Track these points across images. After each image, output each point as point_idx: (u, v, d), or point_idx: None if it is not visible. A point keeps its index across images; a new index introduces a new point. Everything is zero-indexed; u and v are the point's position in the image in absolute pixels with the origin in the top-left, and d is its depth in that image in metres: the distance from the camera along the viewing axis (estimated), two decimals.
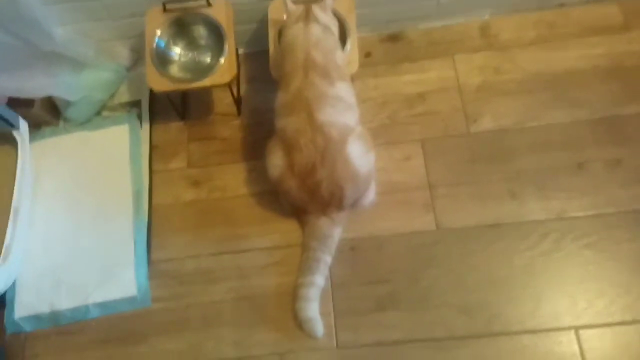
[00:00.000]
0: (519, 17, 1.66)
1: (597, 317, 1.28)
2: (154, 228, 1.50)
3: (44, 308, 1.40)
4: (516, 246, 1.37)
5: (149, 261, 1.45)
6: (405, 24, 1.68)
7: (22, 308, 1.40)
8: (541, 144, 1.47)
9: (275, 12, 1.49)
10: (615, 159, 1.43)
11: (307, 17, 1.31)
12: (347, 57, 1.42)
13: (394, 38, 1.69)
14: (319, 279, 1.33)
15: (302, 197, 1.33)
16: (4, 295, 1.41)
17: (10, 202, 1.41)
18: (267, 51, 1.49)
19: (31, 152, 1.53)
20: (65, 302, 1.40)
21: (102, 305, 1.40)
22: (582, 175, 1.43)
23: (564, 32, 1.62)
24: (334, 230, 1.37)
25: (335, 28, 1.38)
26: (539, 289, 1.32)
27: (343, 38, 1.43)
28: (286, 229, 1.44)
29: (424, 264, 1.37)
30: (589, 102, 1.51)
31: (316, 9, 1.33)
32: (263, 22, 1.56)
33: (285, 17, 1.40)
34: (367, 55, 1.66)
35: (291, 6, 1.37)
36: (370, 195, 1.41)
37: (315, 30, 1.29)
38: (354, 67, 1.44)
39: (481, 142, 1.50)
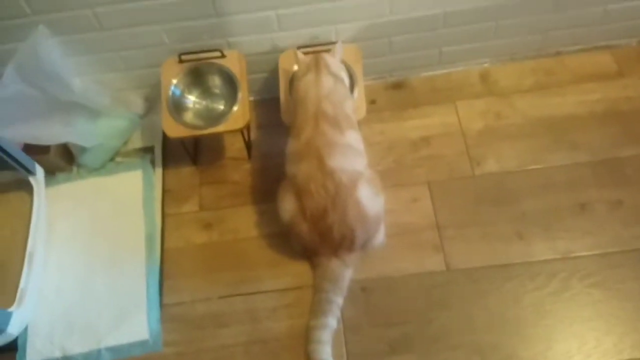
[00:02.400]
0: (517, 65, 1.74)
1: (607, 356, 1.29)
2: (166, 271, 1.51)
3: (56, 353, 1.39)
4: (525, 286, 1.39)
5: (161, 305, 1.46)
6: (408, 73, 1.76)
7: (35, 353, 1.39)
8: (544, 186, 1.52)
9: (285, 62, 1.56)
10: (616, 199, 1.48)
11: (318, 67, 1.37)
12: (355, 104, 1.48)
13: (397, 86, 1.76)
14: (332, 321, 1.34)
15: (313, 239, 1.36)
16: (16, 339, 1.40)
17: (26, 247, 1.43)
18: (277, 98, 1.56)
19: (46, 198, 1.56)
20: (77, 347, 1.40)
21: (114, 349, 1.39)
22: (585, 216, 1.46)
23: (560, 79, 1.70)
24: (346, 272, 1.39)
25: (344, 75, 1.44)
26: (549, 328, 1.33)
27: (351, 86, 1.50)
28: (297, 271, 1.46)
29: (435, 305, 1.38)
30: (588, 145, 1.57)
31: (327, 57, 1.40)
32: (274, 72, 1.63)
33: (295, 67, 1.46)
34: (373, 102, 1.72)
35: (301, 56, 1.44)
36: (380, 237, 1.43)
37: (326, 81, 1.35)
38: (362, 113, 1.50)
39: (486, 184, 1.54)
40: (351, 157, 1.33)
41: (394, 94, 1.75)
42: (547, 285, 1.38)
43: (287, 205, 1.35)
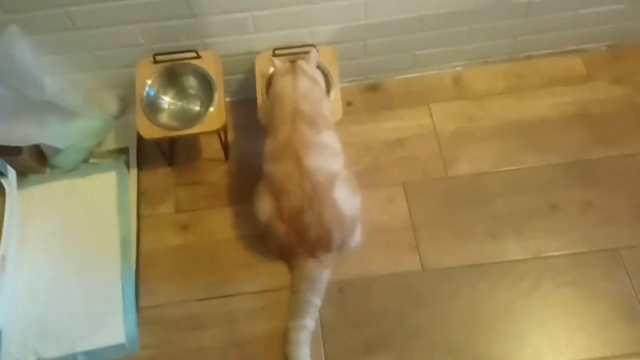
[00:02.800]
0: (489, 69, 1.78)
1: (578, 353, 1.32)
2: (141, 274, 1.50)
3: (30, 357, 1.36)
4: (497, 285, 1.42)
5: (137, 308, 1.44)
6: (383, 75, 1.78)
7: (8, 357, 1.36)
8: (516, 187, 1.55)
9: (262, 64, 1.57)
10: (586, 200, 1.52)
11: (295, 71, 1.38)
12: (332, 106, 1.49)
13: (373, 88, 1.78)
14: (310, 322, 1.34)
15: (290, 240, 1.36)
16: None
17: None
18: (253, 99, 1.56)
19: (18, 200, 1.53)
20: (51, 351, 1.37)
21: (89, 353, 1.37)
22: (556, 217, 1.50)
23: (532, 83, 1.74)
24: (323, 273, 1.40)
25: (320, 79, 1.45)
26: (520, 327, 1.36)
27: (327, 88, 1.51)
28: (274, 272, 1.46)
29: (411, 304, 1.40)
30: (559, 147, 1.61)
31: (302, 63, 1.41)
32: (250, 73, 1.63)
33: (271, 69, 1.47)
34: (349, 104, 1.74)
35: (277, 63, 1.45)
36: (357, 237, 1.44)
37: (303, 82, 1.36)
38: (338, 115, 1.52)
39: (459, 185, 1.57)
40: (328, 157, 1.33)
41: (369, 96, 1.77)
42: (518, 284, 1.41)
43: (264, 205, 1.35)
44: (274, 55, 1.56)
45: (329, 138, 1.35)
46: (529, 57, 1.78)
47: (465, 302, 1.40)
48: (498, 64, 1.78)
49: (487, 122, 1.67)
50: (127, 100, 1.71)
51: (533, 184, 1.55)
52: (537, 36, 1.70)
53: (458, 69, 1.79)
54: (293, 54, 1.53)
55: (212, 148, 1.68)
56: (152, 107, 1.52)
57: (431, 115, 1.70)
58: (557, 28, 1.69)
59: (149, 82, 1.52)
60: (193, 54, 1.53)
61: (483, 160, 1.61)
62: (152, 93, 1.53)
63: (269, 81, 1.50)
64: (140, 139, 1.67)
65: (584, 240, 1.46)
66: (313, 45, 1.55)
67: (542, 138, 1.63)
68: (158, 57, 1.53)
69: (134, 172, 1.64)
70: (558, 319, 1.37)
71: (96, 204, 1.59)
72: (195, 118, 1.51)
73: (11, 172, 1.53)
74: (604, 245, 1.45)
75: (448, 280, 1.43)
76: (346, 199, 1.34)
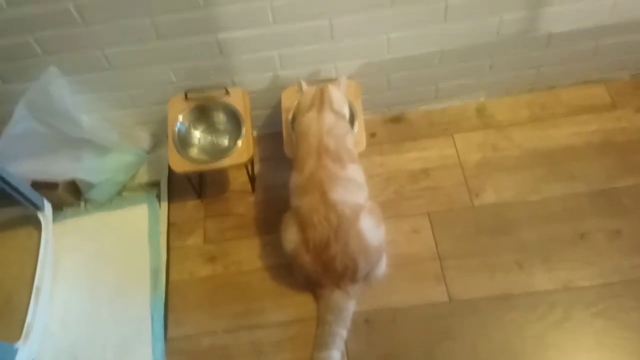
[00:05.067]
0: (512, 99, 1.79)
1: None
2: (170, 304, 1.52)
3: None
4: (527, 317, 1.39)
5: (166, 338, 1.46)
6: (406, 107, 1.81)
7: None
8: (543, 216, 1.54)
9: (287, 99, 1.62)
10: (614, 229, 1.50)
11: (321, 103, 1.42)
12: (356, 138, 1.52)
13: (396, 119, 1.81)
14: (335, 354, 1.34)
15: (316, 270, 1.38)
16: None
17: (32, 281, 1.45)
18: (279, 133, 1.60)
19: (53, 233, 1.59)
20: None
21: None
22: (584, 246, 1.48)
23: (555, 112, 1.75)
24: (349, 303, 1.40)
25: (347, 109, 1.48)
26: (552, 359, 1.34)
27: (351, 120, 1.54)
28: (301, 302, 1.47)
29: (438, 336, 1.39)
30: (585, 175, 1.60)
31: (331, 89, 1.45)
32: (276, 107, 1.68)
33: (299, 96, 1.52)
34: (372, 135, 1.77)
35: (306, 87, 1.49)
36: (382, 268, 1.45)
37: (328, 118, 1.40)
38: (362, 146, 1.54)
39: (485, 215, 1.57)
40: (353, 190, 1.36)
41: (393, 127, 1.79)
42: (548, 315, 1.39)
43: (291, 236, 1.38)
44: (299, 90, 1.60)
45: (354, 171, 1.38)
46: (551, 87, 1.79)
47: (494, 334, 1.38)
48: (521, 95, 1.79)
49: (512, 151, 1.68)
50: (158, 136, 1.78)
51: (560, 213, 1.54)
52: (560, 67, 1.72)
53: (481, 99, 1.81)
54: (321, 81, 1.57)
55: (239, 180, 1.72)
56: (183, 142, 1.58)
57: (455, 146, 1.72)
58: (578, 58, 1.70)
59: (180, 118, 1.59)
60: (222, 91, 1.59)
61: (509, 189, 1.61)
62: (183, 128, 1.59)
63: (295, 114, 1.54)
64: (171, 173, 1.72)
65: (614, 269, 1.43)
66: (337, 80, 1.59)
67: (568, 167, 1.62)
68: (189, 95, 1.60)
69: (164, 204, 1.70)
70: (591, 351, 1.33)
71: (128, 236, 1.64)
72: (223, 152, 1.56)
73: (47, 206, 1.60)
74: (635, 274, 1.42)
75: (476, 311, 1.42)
76: (371, 229, 1.36)
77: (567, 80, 1.78)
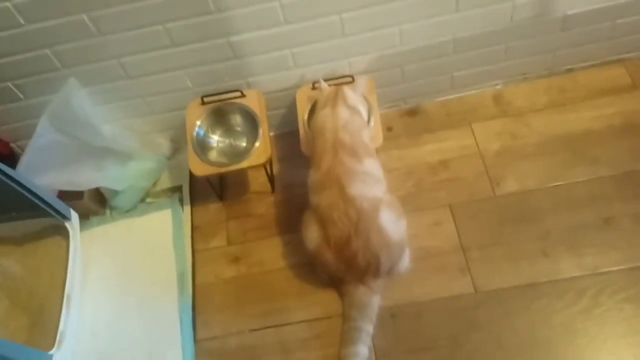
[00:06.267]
0: (529, 85, 1.77)
1: None
2: (197, 307, 1.55)
3: None
4: (554, 305, 1.37)
5: (195, 340, 1.49)
6: (422, 99, 1.80)
7: None
8: (566, 202, 1.52)
9: (302, 98, 1.62)
10: None
11: (335, 100, 1.43)
12: (372, 133, 1.52)
13: (412, 112, 1.80)
14: (363, 349, 1.34)
15: (339, 267, 1.38)
16: None
17: (63, 290, 1.49)
18: (296, 131, 1.61)
19: (81, 241, 1.62)
20: None
21: None
22: (610, 231, 1.46)
23: (575, 95, 1.71)
24: (373, 299, 1.41)
25: (363, 108, 1.49)
26: (581, 347, 1.32)
27: (367, 116, 1.54)
28: (325, 300, 1.48)
29: (465, 328, 1.38)
30: (608, 159, 1.57)
31: (346, 90, 1.46)
32: (292, 106, 1.69)
33: (318, 94, 1.53)
34: (389, 129, 1.76)
35: (325, 86, 1.51)
36: (405, 262, 1.45)
37: (342, 113, 1.40)
38: (379, 141, 1.54)
39: (508, 204, 1.55)
40: (371, 184, 1.36)
41: (409, 120, 1.79)
42: (576, 303, 1.37)
43: (312, 234, 1.39)
44: (314, 88, 1.61)
45: (371, 165, 1.38)
46: (569, 71, 1.76)
47: (522, 324, 1.37)
48: (538, 80, 1.77)
49: (532, 138, 1.66)
50: (178, 141, 1.81)
51: (584, 198, 1.52)
52: (576, 49, 1.69)
53: (498, 87, 1.78)
54: (339, 84, 1.57)
55: (259, 181, 1.74)
56: (202, 146, 1.60)
57: (474, 135, 1.70)
58: (595, 39, 1.66)
59: (198, 122, 1.61)
60: (238, 94, 1.61)
61: (530, 177, 1.58)
62: (202, 133, 1.61)
63: (312, 110, 1.55)
64: (192, 177, 1.75)
65: None
66: (351, 76, 1.59)
67: (590, 151, 1.59)
68: (206, 99, 1.62)
69: (187, 208, 1.72)
70: (621, 337, 1.31)
71: (153, 241, 1.67)
72: (242, 154, 1.58)
73: (74, 216, 1.64)
74: None
75: (502, 301, 1.40)
76: (392, 223, 1.36)
77: (584, 62, 1.74)
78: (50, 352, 1.38)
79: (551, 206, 1.52)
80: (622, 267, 1.40)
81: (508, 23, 1.55)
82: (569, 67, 1.75)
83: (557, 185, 1.56)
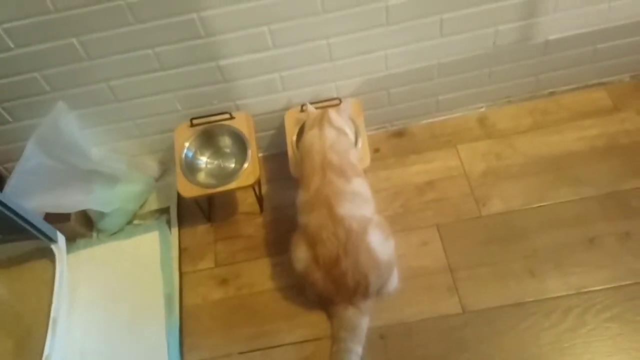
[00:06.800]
0: (513, 107, 1.81)
1: None
2: (185, 329, 1.53)
3: None
4: (541, 324, 1.38)
5: None
6: (408, 121, 1.83)
7: None
8: (551, 222, 1.54)
9: (290, 120, 1.64)
10: (625, 231, 1.49)
11: (322, 122, 1.45)
12: (360, 154, 1.54)
13: (399, 134, 1.83)
14: None
15: (328, 288, 1.38)
16: None
17: (49, 314, 1.46)
18: (284, 153, 1.63)
19: (67, 264, 1.61)
20: None
21: None
22: (595, 250, 1.48)
23: (557, 118, 1.75)
24: (362, 320, 1.40)
25: (350, 130, 1.51)
26: None
27: (354, 138, 1.56)
28: (314, 322, 1.47)
29: (454, 348, 1.38)
30: (591, 179, 1.60)
31: (332, 113, 1.48)
32: (280, 128, 1.71)
33: (305, 117, 1.55)
34: (376, 150, 1.79)
35: (311, 109, 1.53)
36: (394, 282, 1.45)
37: (329, 134, 1.42)
38: (366, 162, 1.56)
39: (494, 224, 1.57)
40: (359, 204, 1.37)
41: (396, 141, 1.81)
42: (563, 321, 1.38)
43: (301, 255, 1.39)
44: (302, 111, 1.63)
45: (359, 185, 1.39)
46: (552, 94, 1.80)
47: (510, 343, 1.37)
48: (522, 102, 1.81)
49: (517, 159, 1.69)
50: (166, 163, 1.81)
51: (569, 218, 1.54)
52: (558, 72, 1.73)
53: (482, 109, 1.82)
54: (319, 108, 1.60)
55: (247, 202, 1.74)
56: (190, 168, 1.60)
57: (459, 157, 1.73)
58: (577, 63, 1.71)
59: (187, 144, 1.62)
60: (227, 116, 1.62)
61: (516, 197, 1.61)
62: (190, 154, 1.62)
63: (300, 132, 1.57)
64: (180, 199, 1.75)
65: (627, 272, 1.42)
66: (338, 99, 1.62)
67: (574, 172, 1.62)
68: (194, 121, 1.63)
69: (175, 230, 1.72)
70: (607, 356, 1.32)
71: (141, 264, 1.66)
72: (230, 175, 1.58)
73: (61, 238, 1.62)
74: None
75: (490, 321, 1.41)
76: (380, 243, 1.37)
77: (567, 85, 1.79)
78: None
79: (537, 226, 1.54)
80: (608, 286, 1.41)
81: (491, 48, 1.60)
82: (551, 90, 1.80)
83: (542, 205, 1.58)
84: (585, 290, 1.42)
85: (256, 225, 1.70)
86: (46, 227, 1.56)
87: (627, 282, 1.41)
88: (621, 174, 1.59)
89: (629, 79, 1.80)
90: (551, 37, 1.60)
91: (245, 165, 1.56)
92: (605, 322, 1.36)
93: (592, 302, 1.40)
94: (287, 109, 1.67)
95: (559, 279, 1.45)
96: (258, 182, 1.63)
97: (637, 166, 1.60)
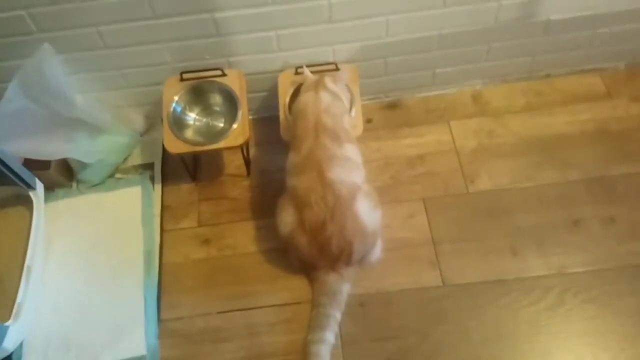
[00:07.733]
0: (508, 87, 1.80)
1: None
2: (164, 287, 1.51)
3: None
4: (520, 301, 1.40)
5: (159, 320, 1.45)
6: (403, 93, 1.80)
7: None
8: (537, 203, 1.55)
9: (284, 82, 1.60)
10: (609, 216, 1.51)
11: (317, 86, 1.42)
12: (353, 121, 1.52)
13: (393, 106, 1.81)
14: (330, 336, 1.34)
15: (312, 253, 1.37)
16: (10, 355, 1.39)
17: (24, 261, 1.43)
18: (276, 116, 1.60)
19: (45, 213, 1.56)
20: None
21: None
22: (578, 232, 1.49)
23: (551, 100, 1.75)
24: (343, 286, 1.40)
25: (345, 98, 1.48)
26: (544, 344, 1.34)
27: (349, 105, 1.53)
28: (295, 286, 1.47)
29: (432, 319, 1.39)
30: (579, 163, 1.60)
31: (327, 80, 1.45)
32: (273, 90, 1.67)
33: (301, 80, 1.53)
34: (369, 121, 1.76)
35: (308, 73, 1.50)
36: (377, 252, 1.45)
37: (324, 97, 1.39)
38: (359, 130, 1.54)
39: (480, 201, 1.57)
40: (350, 170, 1.35)
41: (389, 113, 1.79)
42: (541, 300, 1.40)
43: (287, 218, 1.37)
44: (297, 73, 1.59)
45: (351, 151, 1.37)
46: (547, 76, 1.80)
47: (488, 318, 1.38)
48: (517, 82, 1.80)
49: (507, 138, 1.68)
50: (152, 117, 1.76)
51: (554, 200, 1.55)
52: (556, 55, 1.72)
53: (477, 87, 1.81)
54: (315, 72, 1.56)
55: (234, 164, 1.71)
56: (178, 123, 1.56)
57: (451, 132, 1.72)
58: (575, 47, 1.70)
59: (175, 98, 1.57)
60: (218, 72, 1.58)
61: (504, 176, 1.61)
62: (179, 109, 1.58)
63: (293, 95, 1.53)
64: (165, 155, 1.71)
65: (608, 256, 1.44)
66: (334, 64, 1.59)
67: (563, 154, 1.63)
68: (185, 75, 1.58)
69: (158, 187, 1.68)
70: (583, 335, 1.34)
71: (121, 218, 1.62)
72: (219, 134, 1.55)
73: (39, 186, 1.57)
74: (629, 261, 1.43)
75: (470, 295, 1.42)
76: (368, 212, 1.36)
77: (562, 68, 1.78)
78: (7, 324, 1.33)
79: (522, 206, 1.55)
80: (588, 269, 1.43)
81: (493, 23, 1.57)
82: (547, 72, 1.79)
83: (529, 185, 1.59)
84: (566, 271, 1.43)
85: (242, 188, 1.67)
86: (25, 173, 1.52)
87: (608, 267, 1.43)
88: (609, 160, 1.61)
89: (624, 66, 1.80)
90: (553, 17, 1.58)
91: (235, 126, 1.53)
92: (583, 304, 1.38)
93: (571, 283, 1.41)
94: (281, 70, 1.63)
95: (540, 258, 1.46)
96: (247, 144, 1.60)
97: (625, 153, 1.61)
